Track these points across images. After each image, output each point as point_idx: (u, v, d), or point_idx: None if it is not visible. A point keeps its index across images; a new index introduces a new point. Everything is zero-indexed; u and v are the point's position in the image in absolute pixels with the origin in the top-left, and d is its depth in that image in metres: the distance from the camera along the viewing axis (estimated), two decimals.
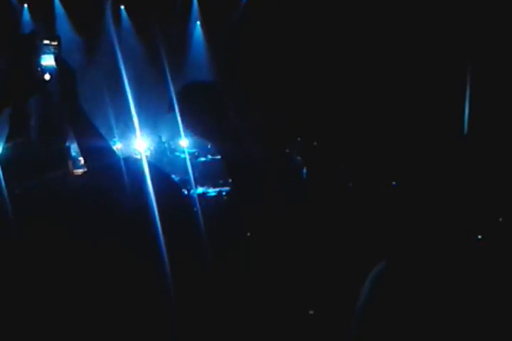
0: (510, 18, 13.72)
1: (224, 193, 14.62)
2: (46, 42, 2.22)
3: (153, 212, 1.46)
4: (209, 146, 19.27)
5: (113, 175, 1.52)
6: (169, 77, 17.19)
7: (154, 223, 1.45)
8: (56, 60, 2.23)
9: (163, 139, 19.73)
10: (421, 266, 1.25)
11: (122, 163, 1.55)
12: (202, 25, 22.13)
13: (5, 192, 1.94)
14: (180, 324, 1.47)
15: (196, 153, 18.57)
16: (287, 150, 18.16)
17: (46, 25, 20.25)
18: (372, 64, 16.17)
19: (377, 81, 15.89)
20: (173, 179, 1.62)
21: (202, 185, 15.94)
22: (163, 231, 1.44)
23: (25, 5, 20.33)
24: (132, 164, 1.55)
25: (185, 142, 18.13)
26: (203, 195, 14.52)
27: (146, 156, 18.38)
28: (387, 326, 1.23)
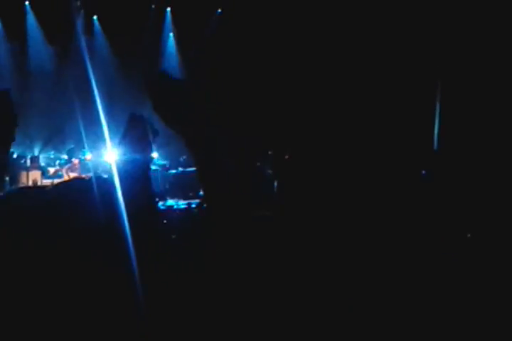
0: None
1: (193, 205, 14.59)
2: None
3: (123, 224, 1.43)
4: (181, 159, 19.25)
5: (83, 190, 1.49)
6: (141, 89, 17.17)
7: (124, 234, 1.43)
8: None
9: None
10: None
11: (93, 181, 1.54)
12: (175, 36, 22.15)
13: None
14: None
15: (167, 165, 18.52)
16: (258, 164, 18.20)
17: (17, 33, 20.12)
18: (345, 74, 16.27)
19: (350, 91, 15.99)
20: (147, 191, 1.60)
21: (172, 197, 15.89)
22: (132, 241, 1.42)
23: None
24: (102, 183, 1.53)
25: (155, 154, 18.08)
26: (172, 207, 14.47)
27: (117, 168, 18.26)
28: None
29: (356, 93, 15.65)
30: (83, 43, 19.24)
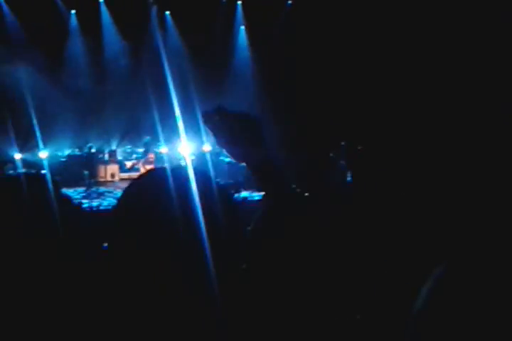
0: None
1: None
2: None
3: (199, 221, 1.45)
4: None
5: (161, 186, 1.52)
6: (214, 82, 17.19)
7: (200, 231, 1.45)
8: None
9: (208, 144, 19.82)
10: (485, 269, 1.22)
11: (169, 172, 1.56)
12: (246, 29, 22.19)
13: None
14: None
15: None
16: (331, 155, 18.11)
17: (93, 30, 20.56)
18: (420, 67, 15.99)
19: (426, 83, 15.72)
20: (220, 185, 1.61)
21: (246, 189, 15.96)
22: (209, 239, 1.44)
23: (73, 11, 20.68)
24: (179, 174, 1.55)
25: None
26: (247, 199, 14.55)
27: (192, 160, 18.51)
28: (448, 331, 1.20)
29: (437, 85, 15.36)
30: (157, 38, 19.52)
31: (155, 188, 1.51)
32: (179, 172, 1.55)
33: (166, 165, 19.13)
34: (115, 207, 1.62)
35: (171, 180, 1.51)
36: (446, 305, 1.22)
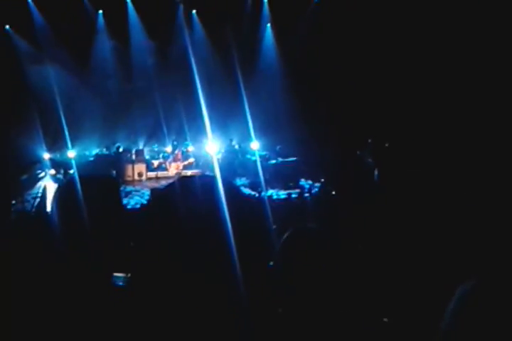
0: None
1: (294, 195, 14.64)
2: None
3: (227, 225, 1.46)
4: (277, 149, 19.36)
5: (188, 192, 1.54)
6: (240, 80, 17.21)
7: (227, 236, 1.46)
8: None
9: (234, 142, 19.86)
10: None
11: (197, 180, 1.57)
12: (272, 27, 22.18)
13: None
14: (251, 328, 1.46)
15: (267, 156, 18.62)
16: (358, 152, 18.04)
17: (120, 29, 20.69)
18: (445, 66, 15.85)
19: (451, 82, 15.58)
20: (244, 193, 1.63)
21: (272, 188, 15.98)
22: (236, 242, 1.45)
23: (100, 11, 20.84)
24: (206, 182, 1.56)
25: (256, 145, 18.22)
26: (272, 197, 14.57)
27: (218, 159, 18.55)
28: None
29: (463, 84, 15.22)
30: (184, 37, 19.58)
31: (184, 194, 1.52)
32: (207, 180, 1.56)
33: (193, 161, 19.26)
34: (146, 211, 1.64)
35: (198, 186, 1.52)
36: (474, 325, 1.20)
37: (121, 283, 2.09)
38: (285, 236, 2.27)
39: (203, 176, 1.50)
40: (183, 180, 1.62)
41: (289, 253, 2.06)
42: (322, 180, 15.49)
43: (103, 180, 2.15)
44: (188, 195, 1.52)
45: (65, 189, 2.03)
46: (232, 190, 1.56)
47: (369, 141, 17.68)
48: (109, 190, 2.07)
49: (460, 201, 8.18)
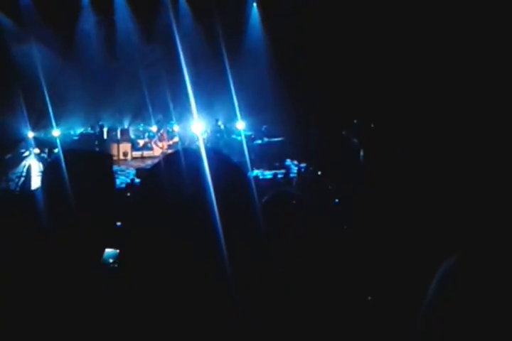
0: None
1: (279, 176, 14.66)
2: None
3: (211, 198, 1.45)
4: (263, 129, 19.37)
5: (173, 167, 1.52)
6: (226, 59, 17.16)
7: (212, 208, 1.45)
8: None
9: (220, 122, 19.83)
10: (498, 262, 1.20)
11: (181, 154, 1.56)
12: (258, 6, 22.03)
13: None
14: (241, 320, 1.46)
15: (252, 136, 18.62)
16: (344, 133, 18.07)
17: (104, 7, 20.50)
18: (432, 50, 15.82)
19: (439, 69, 15.56)
20: (233, 161, 1.61)
21: (258, 168, 16.00)
22: (222, 215, 1.44)
23: None
24: (191, 154, 1.54)
25: (241, 125, 18.20)
26: (258, 177, 14.58)
27: (203, 139, 18.52)
28: (458, 326, 1.19)
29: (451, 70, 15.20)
30: (170, 16, 19.42)
31: (171, 171, 1.51)
32: (193, 153, 1.54)
33: (178, 140, 19.22)
34: (133, 191, 1.63)
35: (184, 162, 1.51)
36: (457, 300, 1.21)
37: (111, 260, 2.10)
38: (267, 197, 2.30)
39: (187, 150, 1.48)
40: (167, 157, 1.61)
41: (269, 214, 2.09)
42: (307, 160, 15.52)
43: (97, 156, 2.13)
44: (173, 171, 1.51)
45: (55, 164, 2.01)
46: (219, 160, 1.55)
47: (355, 121, 17.71)
48: (103, 167, 2.06)
49: (445, 180, 8.24)
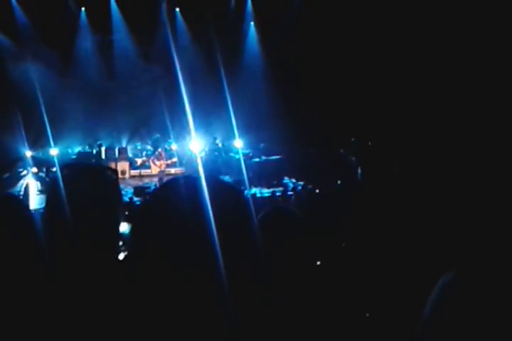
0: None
1: (278, 194, 14.66)
2: None
3: (209, 217, 1.46)
4: (260, 147, 19.38)
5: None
6: (224, 78, 17.19)
7: (210, 227, 1.46)
8: None
9: (218, 140, 19.86)
10: (495, 275, 1.21)
11: (182, 181, 1.57)
12: (256, 25, 22.17)
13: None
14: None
15: (250, 154, 18.64)
16: (342, 151, 18.11)
17: (103, 28, 20.63)
18: (435, 65, 15.88)
19: (437, 82, 15.62)
20: (229, 182, 1.62)
21: (256, 186, 16.00)
22: (220, 233, 1.45)
23: (83, 8, 20.76)
24: (191, 180, 1.55)
25: (239, 143, 18.23)
26: (255, 195, 14.57)
27: (201, 157, 18.53)
28: (457, 338, 1.19)
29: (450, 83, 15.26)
30: (167, 35, 19.52)
31: (170, 198, 1.52)
32: (192, 178, 1.55)
33: (177, 160, 19.22)
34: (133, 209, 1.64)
35: (183, 189, 1.52)
36: (455, 315, 1.21)
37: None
38: (263, 213, 2.32)
39: (187, 178, 1.47)
40: (168, 182, 1.62)
41: (266, 229, 2.10)
42: (305, 178, 15.53)
43: (101, 172, 2.11)
44: (173, 195, 1.52)
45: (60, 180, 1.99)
46: (215, 182, 1.56)
47: (352, 139, 17.75)
48: (109, 182, 2.04)
49: (443, 196, 8.25)
